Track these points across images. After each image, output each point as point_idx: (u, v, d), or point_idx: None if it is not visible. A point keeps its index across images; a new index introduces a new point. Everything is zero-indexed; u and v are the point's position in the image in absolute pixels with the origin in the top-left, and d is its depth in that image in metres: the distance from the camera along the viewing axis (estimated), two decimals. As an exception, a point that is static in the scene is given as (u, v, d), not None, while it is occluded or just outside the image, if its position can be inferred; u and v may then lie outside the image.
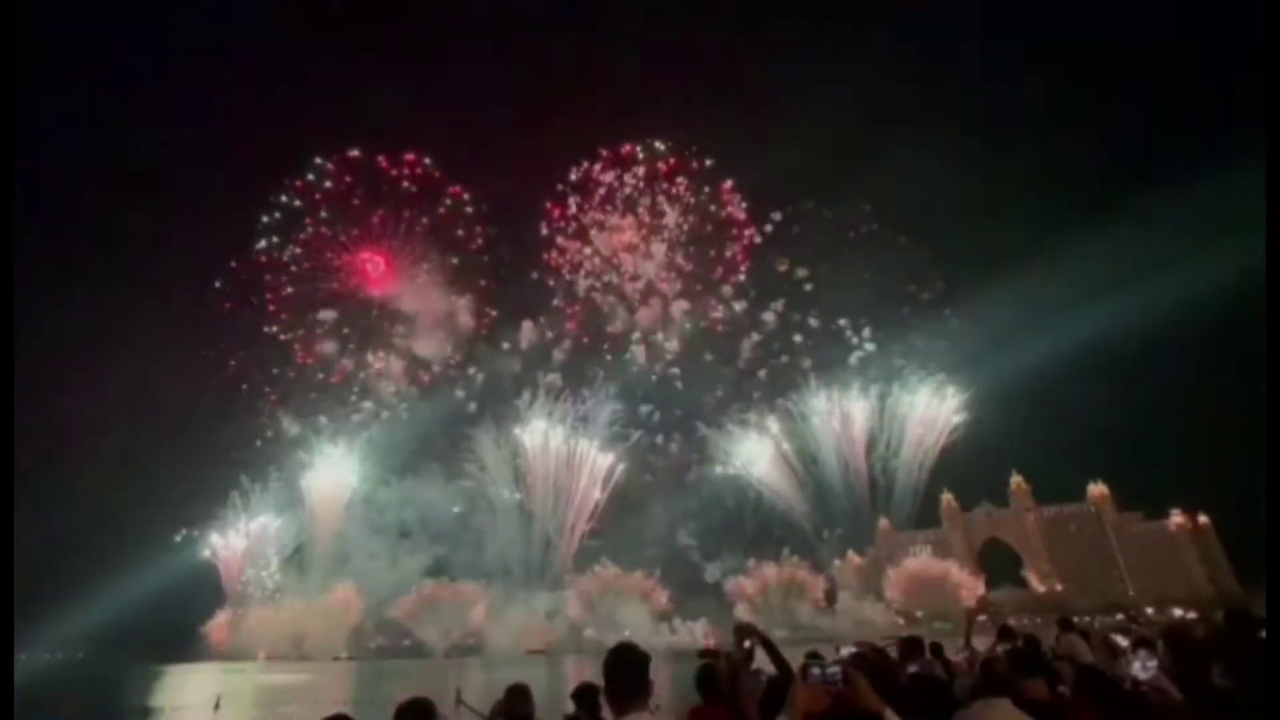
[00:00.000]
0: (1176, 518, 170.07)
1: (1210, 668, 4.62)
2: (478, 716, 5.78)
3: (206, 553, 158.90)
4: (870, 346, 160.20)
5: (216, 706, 43.56)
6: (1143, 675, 4.09)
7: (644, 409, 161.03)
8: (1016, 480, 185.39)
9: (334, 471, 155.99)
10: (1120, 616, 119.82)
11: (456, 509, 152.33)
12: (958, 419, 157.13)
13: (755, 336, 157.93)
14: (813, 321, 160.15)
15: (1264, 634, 6.81)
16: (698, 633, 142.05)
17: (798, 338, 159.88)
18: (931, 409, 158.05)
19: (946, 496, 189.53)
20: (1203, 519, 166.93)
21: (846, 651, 7.95)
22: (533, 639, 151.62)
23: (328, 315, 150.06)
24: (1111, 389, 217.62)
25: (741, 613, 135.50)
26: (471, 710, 5.82)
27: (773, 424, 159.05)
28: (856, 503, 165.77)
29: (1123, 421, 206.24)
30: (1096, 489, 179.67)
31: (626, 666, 3.17)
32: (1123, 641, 8.82)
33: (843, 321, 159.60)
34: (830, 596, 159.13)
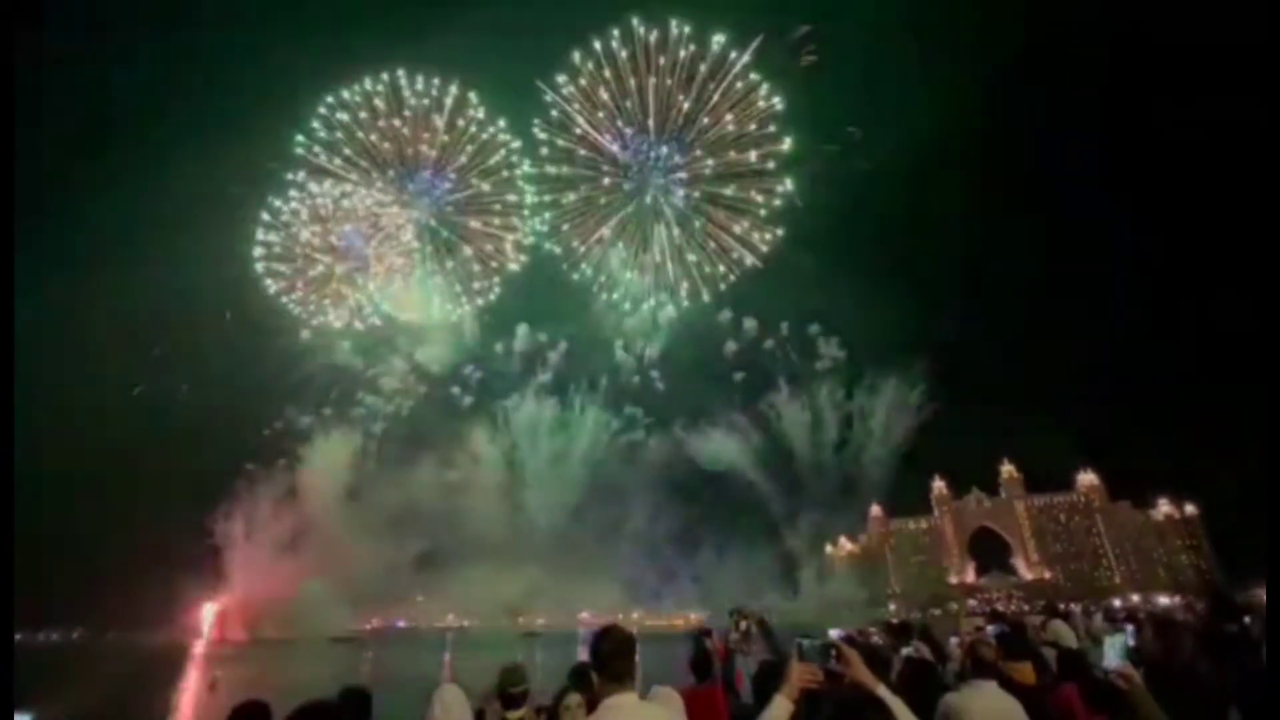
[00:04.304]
0: (1164, 507, 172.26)
1: (1192, 652, 4.74)
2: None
3: (208, 536, 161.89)
4: (840, 354, 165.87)
5: (212, 687, 43.93)
6: (1114, 664, 4.22)
7: (628, 410, 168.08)
8: (1008, 469, 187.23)
9: (333, 462, 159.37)
10: (1116, 604, 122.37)
11: (446, 497, 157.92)
12: (923, 410, 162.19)
13: (733, 345, 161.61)
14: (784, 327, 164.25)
15: (1246, 620, 6.98)
16: (689, 617, 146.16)
17: (770, 343, 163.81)
18: (897, 402, 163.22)
19: (938, 484, 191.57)
20: (1190, 509, 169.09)
21: (835, 634, 8.07)
22: (526, 620, 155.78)
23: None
24: (1104, 380, 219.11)
25: (722, 598, 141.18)
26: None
27: (748, 423, 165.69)
28: (831, 494, 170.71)
29: (1115, 410, 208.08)
30: (1086, 478, 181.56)
31: (613, 647, 3.30)
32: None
33: (814, 328, 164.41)
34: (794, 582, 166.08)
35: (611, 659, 3.28)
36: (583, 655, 4.52)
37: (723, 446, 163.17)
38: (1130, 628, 7.20)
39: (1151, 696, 3.93)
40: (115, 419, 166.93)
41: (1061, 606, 14.69)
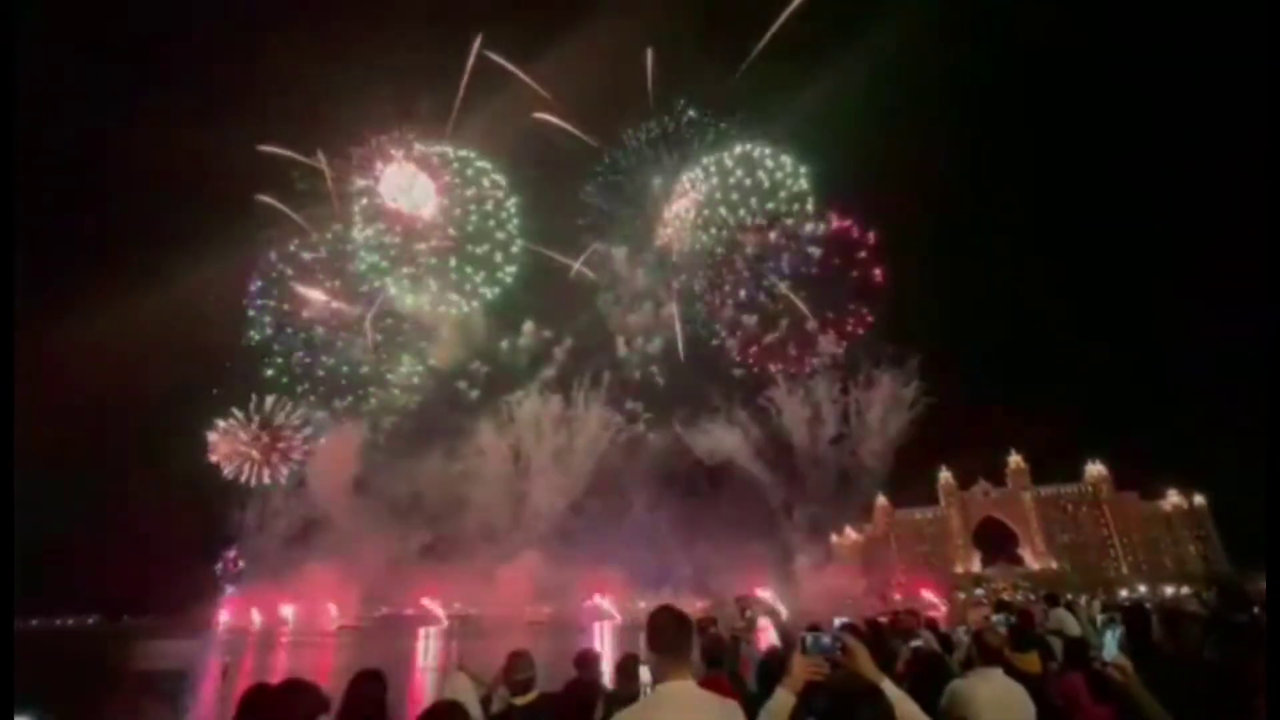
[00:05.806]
0: (1172, 498, 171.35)
1: (1202, 642, 4.71)
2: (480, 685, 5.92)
3: (221, 525, 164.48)
4: (838, 349, 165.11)
5: (224, 674, 44.45)
6: (1111, 655, 4.22)
7: (629, 406, 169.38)
8: (1015, 460, 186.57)
9: (343, 454, 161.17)
10: (1123, 595, 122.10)
11: (453, 489, 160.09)
12: (919, 402, 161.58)
13: (732, 341, 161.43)
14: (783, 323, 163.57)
15: (1256, 610, 6.94)
16: (695, 605, 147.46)
17: (768, 339, 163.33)
18: (893, 393, 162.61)
19: (945, 475, 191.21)
20: (1198, 499, 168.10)
21: (838, 622, 8.06)
22: (532, 610, 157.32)
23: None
24: (1114, 368, 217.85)
25: (721, 588, 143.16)
26: (474, 677, 5.97)
27: (747, 418, 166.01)
28: (831, 486, 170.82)
29: (1123, 401, 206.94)
30: (1095, 469, 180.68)
31: (674, 627, 3.09)
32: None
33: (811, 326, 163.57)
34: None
35: (670, 638, 3.05)
36: (584, 643, 4.51)
37: (721, 441, 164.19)
38: (1120, 628, 7.14)
39: (1145, 689, 3.92)
40: (132, 408, 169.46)
41: (1069, 597, 14.65)
